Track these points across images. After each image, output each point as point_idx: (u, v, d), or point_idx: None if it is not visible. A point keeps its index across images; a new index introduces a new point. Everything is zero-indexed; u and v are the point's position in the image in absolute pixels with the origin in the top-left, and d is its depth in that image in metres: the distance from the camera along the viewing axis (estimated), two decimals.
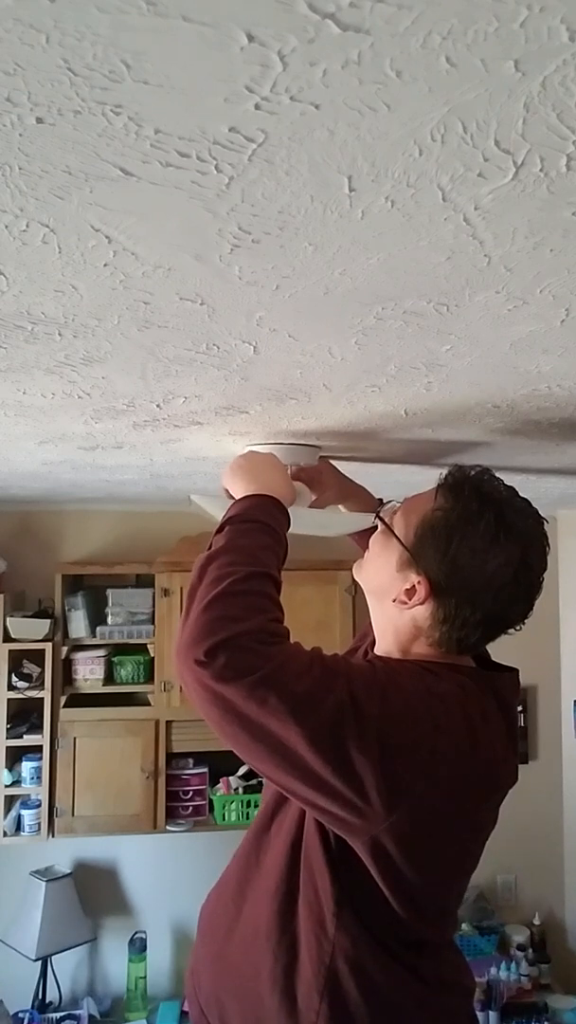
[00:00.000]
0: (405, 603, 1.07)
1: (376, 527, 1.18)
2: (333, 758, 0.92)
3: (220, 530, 1.08)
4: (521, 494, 1.09)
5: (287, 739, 0.91)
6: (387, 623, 1.14)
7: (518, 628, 1.09)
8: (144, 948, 3.15)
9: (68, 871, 3.13)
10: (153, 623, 3.07)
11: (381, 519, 1.16)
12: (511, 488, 1.09)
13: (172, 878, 3.28)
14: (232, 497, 1.19)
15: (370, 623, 1.22)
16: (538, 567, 1.06)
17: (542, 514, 1.09)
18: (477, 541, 1.02)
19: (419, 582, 1.05)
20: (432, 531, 1.05)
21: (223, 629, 0.93)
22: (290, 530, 1.15)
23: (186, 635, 0.95)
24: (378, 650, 1.16)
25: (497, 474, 1.10)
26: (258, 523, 1.09)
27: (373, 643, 1.21)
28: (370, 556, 1.18)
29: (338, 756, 0.92)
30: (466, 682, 1.07)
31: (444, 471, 1.10)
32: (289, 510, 1.16)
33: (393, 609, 1.10)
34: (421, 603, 1.06)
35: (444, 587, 1.04)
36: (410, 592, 1.07)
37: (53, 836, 3.01)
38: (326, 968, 1.03)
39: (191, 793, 3.13)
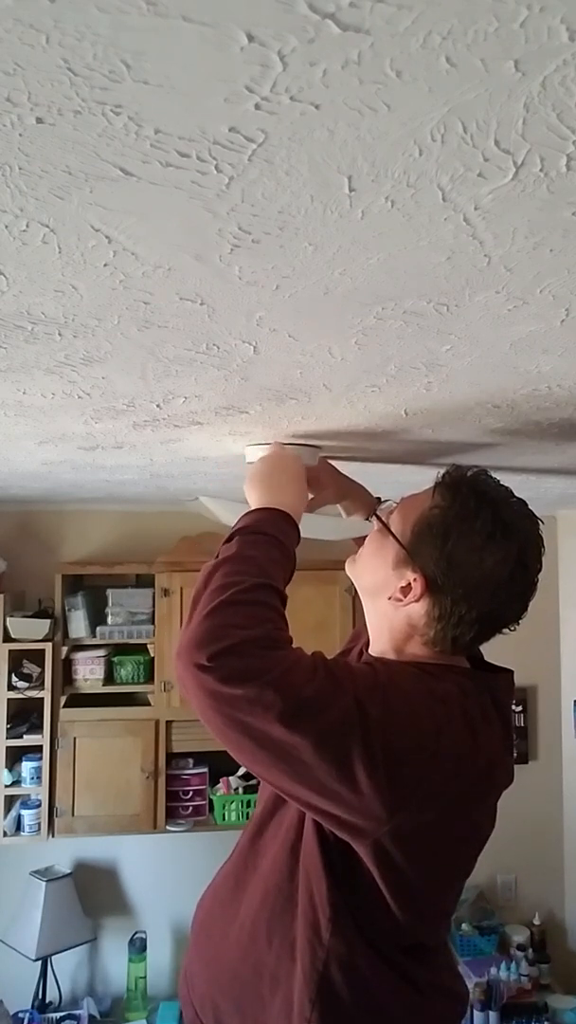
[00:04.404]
0: (400, 600, 1.07)
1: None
2: (337, 763, 0.92)
3: (229, 540, 1.07)
4: (519, 494, 1.09)
5: (291, 745, 0.90)
6: (382, 621, 1.14)
7: (512, 628, 1.09)
8: (144, 948, 3.15)
9: (68, 871, 3.13)
10: (153, 623, 3.07)
11: (378, 517, 1.16)
12: (507, 488, 1.09)
13: (172, 878, 3.28)
14: (247, 502, 1.19)
15: (364, 624, 1.22)
16: (533, 567, 1.06)
17: (542, 514, 1.10)
18: (474, 538, 1.02)
19: (415, 579, 1.06)
20: (429, 528, 1.05)
21: (227, 636, 0.92)
22: None
23: (188, 640, 0.94)
24: (373, 650, 1.17)
25: (497, 474, 1.11)
26: (268, 536, 1.08)
27: (367, 644, 1.21)
28: (365, 554, 1.18)
29: (342, 761, 0.92)
30: (464, 682, 1.07)
31: (441, 470, 1.11)
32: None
33: (388, 607, 1.10)
34: (416, 600, 1.06)
35: (440, 584, 1.04)
36: (405, 589, 1.07)
37: (53, 836, 3.01)
38: (319, 974, 1.03)
39: (191, 793, 3.13)
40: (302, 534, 1.16)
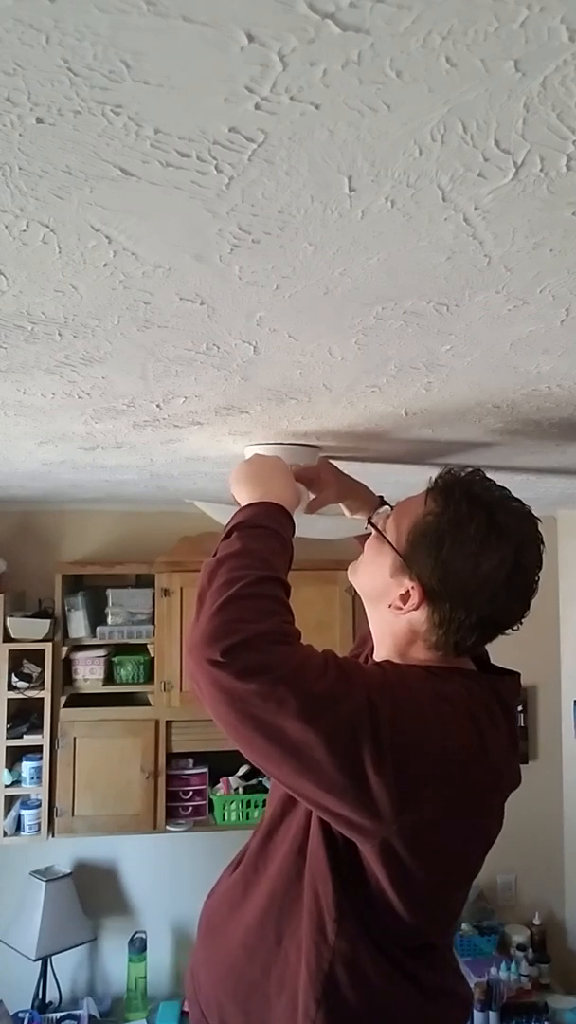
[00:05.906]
0: (400, 608, 1.07)
1: None
2: (347, 760, 0.92)
3: (227, 536, 1.08)
4: (519, 494, 1.09)
5: (303, 740, 0.91)
6: (384, 627, 1.13)
7: (515, 628, 1.09)
8: (144, 948, 3.15)
9: (68, 871, 3.13)
10: (153, 623, 3.07)
11: (373, 525, 1.16)
12: (503, 489, 1.08)
13: (172, 878, 3.28)
14: (238, 503, 1.19)
15: (368, 629, 1.22)
16: (532, 568, 1.05)
17: (542, 514, 1.09)
18: (468, 544, 1.01)
19: (413, 587, 1.05)
20: (423, 536, 1.04)
21: (238, 631, 0.92)
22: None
23: (198, 636, 0.94)
24: (377, 655, 1.16)
25: (498, 474, 1.10)
26: (266, 529, 1.08)
27: (372, 650, 1.21)
28: (364, 561, 1.18)
29: (352, 758, 0.92)
30: (470, 684, 1.07)
31: (434, 474, 1.10)
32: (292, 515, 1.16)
33: (389, 614, 1.10)
34: (415, 608, 1.05)
35: (438, 592, 1.04)
36: (404, 597, 1.06)
37: (53, 836, 3.01)
38: (324, 975, 1.03)
39: (191, 793, 3.13)
40: (303, 534, 1.15)
